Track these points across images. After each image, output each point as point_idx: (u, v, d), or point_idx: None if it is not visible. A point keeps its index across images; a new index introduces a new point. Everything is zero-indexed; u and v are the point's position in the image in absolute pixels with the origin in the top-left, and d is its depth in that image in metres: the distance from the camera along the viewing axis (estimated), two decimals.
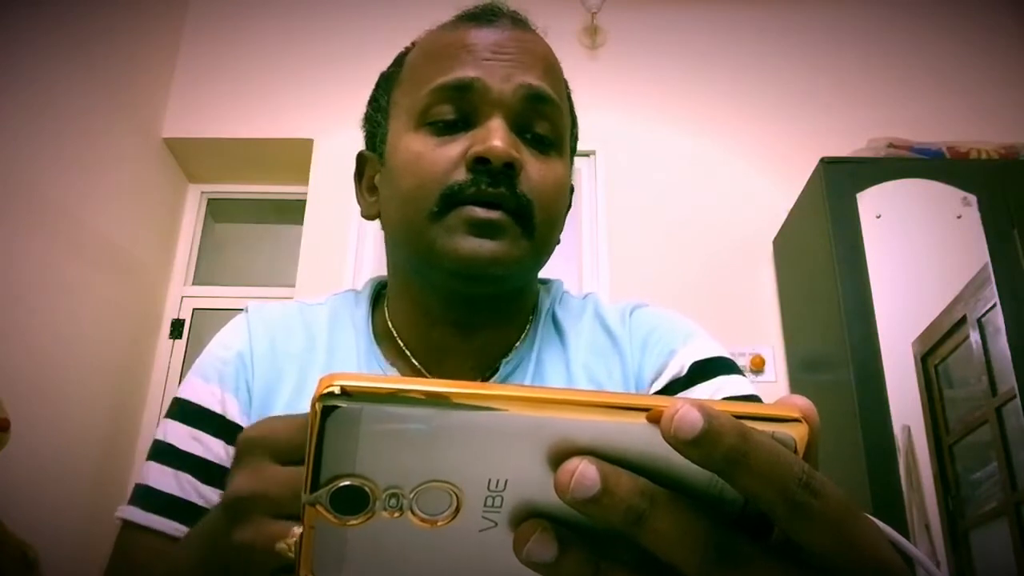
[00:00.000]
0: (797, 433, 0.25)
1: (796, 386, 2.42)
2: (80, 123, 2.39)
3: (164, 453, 0.63)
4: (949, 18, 3.02)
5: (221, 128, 2.89)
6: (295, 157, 2.85)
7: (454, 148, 0.62)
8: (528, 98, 0.63)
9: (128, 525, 0.61)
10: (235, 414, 0.64)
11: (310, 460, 0.24)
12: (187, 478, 0.61)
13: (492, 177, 0.60)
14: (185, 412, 0.65)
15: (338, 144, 2.73)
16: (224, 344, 0.69)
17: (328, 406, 0.23)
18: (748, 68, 2.95)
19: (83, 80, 2.41)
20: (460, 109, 0.63)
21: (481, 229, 0.60)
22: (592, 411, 0.24)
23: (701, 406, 0.23)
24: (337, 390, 0.23)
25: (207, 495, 0.61)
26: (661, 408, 0.24)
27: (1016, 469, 1.92)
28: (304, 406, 0.67)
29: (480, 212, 0.60)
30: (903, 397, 2.04)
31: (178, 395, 0.67)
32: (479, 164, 0.60)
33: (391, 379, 0.24)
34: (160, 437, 0.65)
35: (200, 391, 0.66)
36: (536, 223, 0.62)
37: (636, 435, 0.24)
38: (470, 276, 0.62)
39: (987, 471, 2.00)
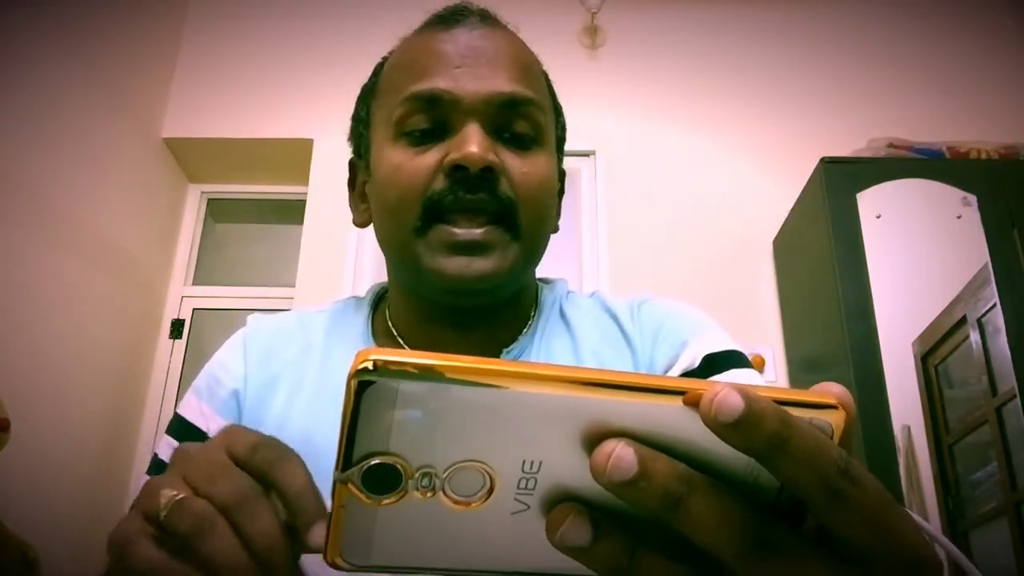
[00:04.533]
0: (834, 420, 0.25)
1: (796, 386, 2.41)
2: (80, 123, 2.39)
3: (154, 468, 0.65)
4: (949, 18, 3.02)
5: (221, 128, 2.89)
6: (295, 157, 2.85)
7: (432, 156, 0.61)
8: (502, 105, 0.62)
9: None
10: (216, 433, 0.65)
11: (343, 437, 0.23)
12: None
13: (470, 184, 0.59)
14: (177, 428, 0.66)
15: (338, 144, 2.71)
16: (221, 364, 0.69)
17: (363, 381, 0.22)
18: (748, 68, 2.95)
19: (83, 80, 2.41)
20: (434, 119, 0.62)
21: (464, 249, 0.60)
22: (629, 393, 0.23)
23: (741, 389, 0.23)
24: (371, 365, 0.22)
25: None
26: (699, 391, 0.23)
27: (1016, 469, 1.92)
28: (296, 409, 0.67)
29: (460, 234, 0.60)
30: (903, 397, 2.04)
31: (176, 410, 0.69)
32: (456, 171, 0.60)
33: (428, 355, 0.23)
34: (155, 450, 0.66)
35: (192, 408, 0.67)
36: (522, 223, 0.62)
37: (672, 418, 0.24)
38: (460, 293, 0.62)
39: (987, 471, 2.00)
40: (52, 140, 2.26)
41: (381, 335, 0.70)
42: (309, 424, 0.63)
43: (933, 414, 2.09)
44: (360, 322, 0.71)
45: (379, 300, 0.74)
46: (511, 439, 0.24)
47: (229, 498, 0.32)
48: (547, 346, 0.68)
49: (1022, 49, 2.97)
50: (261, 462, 0.34)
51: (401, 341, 0.69)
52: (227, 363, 0.69)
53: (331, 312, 0.73)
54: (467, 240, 0.60)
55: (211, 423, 0.65)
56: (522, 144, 0.63)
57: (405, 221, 0.61)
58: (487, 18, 0.67)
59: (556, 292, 0.74)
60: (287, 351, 0.69)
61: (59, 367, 2.25)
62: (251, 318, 0.73)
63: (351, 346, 0.69)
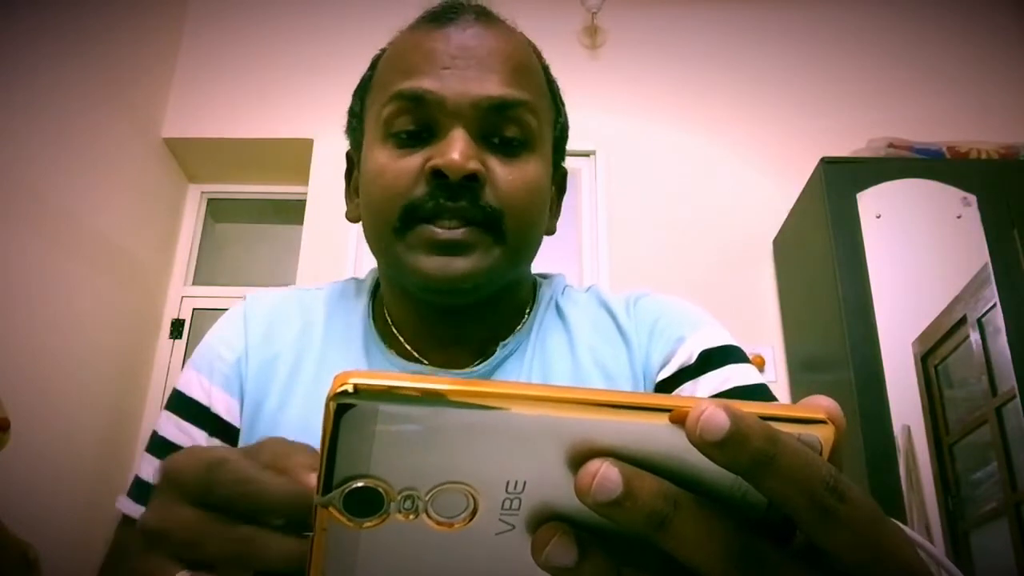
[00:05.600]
0: (822, 435, 0.24)
1: (796, 386, 2.42)
2: (80, 123, 2.39)
3: (155, 444, 0.65)
4: (949, 18, 3.02)
5: (221, 128, 2.89)
6: (295, 157, 2.85)
7: (415, 160, 0.60)
8: (490, 108, 0.61)
9: (124, 517, 0.63)
10: (220, 408, 0.65)
11: (323, 461, 0.23)
12: None
13: (452, 191, 0.58)
14: (177, 403, 0.66)
15: (338, 144, 2.69)
16: (221, 339, 0.69)
17: (342, 404, 0.22)
18: (748, 68, 2.95)
19: (83, 80, 2.41)
20: (420, 120, 0.61)
21: (444, 248, 0.59)
22: (614, 411, 0.23)
23: (727, 407, 0.22)
24: (351, 388, 0.22)
25: None
26: (685, 409, 0.23)
27: (1016, 469, 1.92)
28: (297, 390, 0.67)
29: (440, 233, 0.59)
30: (903, 397, 2.04)
31: (175, 386, 0.68)
32: (438, 177, 0.59)
33: (408, 377, 0.23)
34: (155, 427, 0.66)
35: (192, 383, 0.67)
36: (507, 230, 0.61)
37: (657, 436, 0.23)
38: (441, 291, 0.62)
39: (987, 471, 2.00)
40: (52, 140, 2.26)
41: (380, 325, 0.70)
42: (307, 411, 0.63)
43: (933, 414, 2.09)
44: (360, 308, 0.71)
45: (379, 285, 0.74)
46: (494, 460, 0.23)
47: (223, 556, 0.31)
48: (543, 342, 0.68)
49: (1022, 49, 2.97)
50: (221, 497, 0.31)
51: (396, 332, 0.68)
52: (227, 337, 0.68)
53: (330, 292, 0.73)
54: (447, 240, 0.59)
55: (213, 397, 0.65)
56: (510, 150, 0.62)
57: (386, 220, 0.61)
58: (482, 15, 0.66)
59: (553, 287, 0.74)
60: (287, 329, 0.69)
61: (59, 367, 2.25)
62: (250, 294, 0.73)
63: (351, 332, 0.69)
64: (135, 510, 0.62)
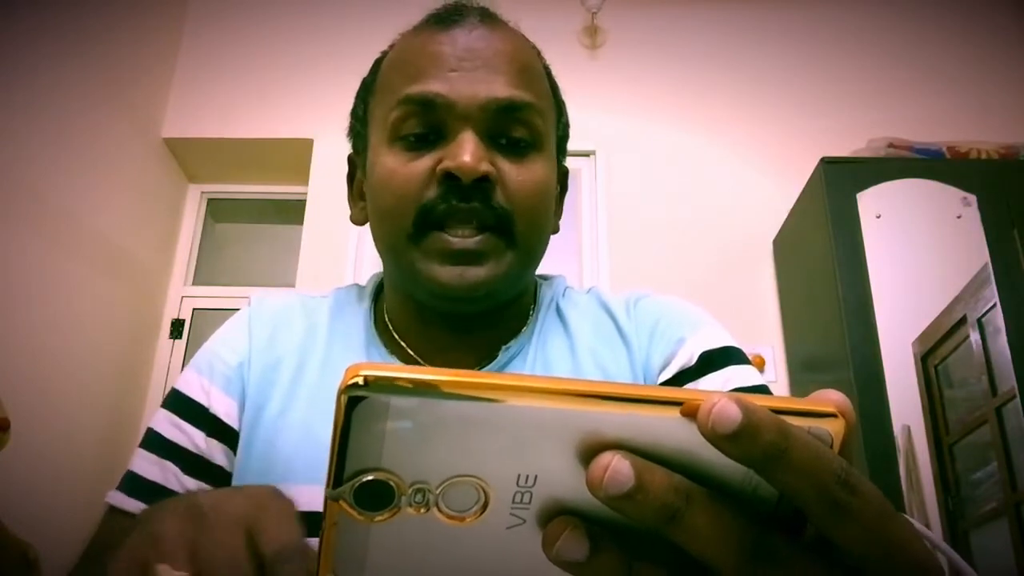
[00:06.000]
0: (833, 428, 0.24)
1: (796, 386, 2.42)
2: (80, 123, 2.39)
3: (151, 441, 0.65)
4: (949, 18, 3.02)
5: (221, 128, 2.89)
6: (295, 157, 2.85)
7: (425, 163, 0.61)
8: (499, 110, 0.61)
9: (112, 509, 0.64)
10: (220, 410, 0.65)
11: (334, 454, 0.23)
12: (170, 467, 0.63)
13: (463, 192, 0.59)
14: (175, 402, 0.67)
15: (338, 144, 2.70)
16: (224, 341, 0.69)
17: (354, 397, 0.22)
18: (748, 68, 2.95)
19: (83, 80, 2.41)
20: (428, 123, 0.62)
21: (458, 258, 0.60)
22: (626, 404, 0.23)
23: (739, 400, 0.22)
24: (362, 380, 0.22)
25: (187, 484, 0.63)
26: (696, 401, 0.23)
27: (1016, 469, 1.92)
28: (299, 394, 0.67)
29: (455, 243, 0.59)
30: (903, 397, 2.04)
31: (174, 385, 0.69)
32: (449, 179, 0.59)
33: (420, 369, 0.23)
34: (151, 425, 0.67)
35: (191, 383, 0.67)
36: (517, 231, 0.61)
37: (669, 429, 0.23)
38: (455, 300, 0.62)
39: (987, 471, 2.00)
40: (52, 140, 2.26)
41: (382, 329, 0.70)
42: (309, 416, 0.63)
43: (933, 414, 2.09)
44: (362, 313, 0.71)
45: (380, 290, 0.74)
46: (506, 453, 0.23)
47: None
48: (544, 345, 0.68)
49: (1022, 49, 2.97)
50: (280, 572, 0.31)
51: (397, 337, 0.69)
52: (230, 340, 0.69)
53: (333, 299, 0.73)
54: (461, 249, 0.59)
55: (213, 398, 0.65)
56: (519, 150, 0.63)
57: (400, 226, 0.61)
58: (486, 17, 0.66)
59: (554, 289, 0.74)
60: (291, 333, 0.69)
61: (59, 367, 2.25)
62: (255, 296, 0.73)
63: (355, 339, 0.69)
64: (124, 502, 0.62)
